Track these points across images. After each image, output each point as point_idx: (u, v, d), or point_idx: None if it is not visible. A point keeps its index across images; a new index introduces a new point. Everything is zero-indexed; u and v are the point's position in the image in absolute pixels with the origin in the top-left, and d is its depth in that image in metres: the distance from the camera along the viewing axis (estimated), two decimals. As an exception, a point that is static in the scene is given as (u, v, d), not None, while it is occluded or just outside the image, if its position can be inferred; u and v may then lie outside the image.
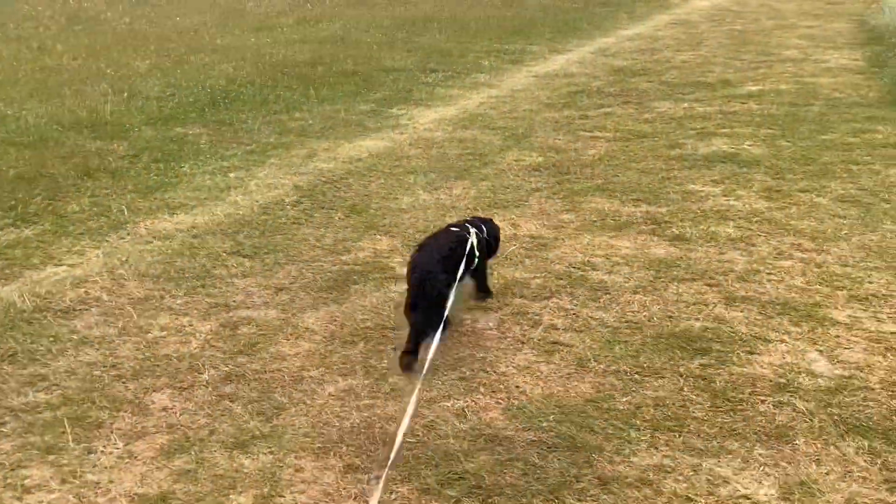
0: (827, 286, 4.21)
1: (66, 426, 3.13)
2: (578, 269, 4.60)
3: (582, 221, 5.41)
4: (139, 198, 6.02)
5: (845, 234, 4.96)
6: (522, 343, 3.71)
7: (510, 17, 15.18)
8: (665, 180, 6.22)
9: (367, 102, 9.22)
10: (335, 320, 4.00)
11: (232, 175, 6.61)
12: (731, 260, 4.61)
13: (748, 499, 2.68)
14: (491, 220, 4.24)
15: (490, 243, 4.00)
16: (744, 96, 9.12)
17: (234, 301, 4.26)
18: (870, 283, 4.24)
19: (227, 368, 3.55)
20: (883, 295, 4.08)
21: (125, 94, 8.81)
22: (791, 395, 3.17)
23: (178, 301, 4.27)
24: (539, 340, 3.72)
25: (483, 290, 4.14)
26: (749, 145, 7.11)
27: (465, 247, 3.66)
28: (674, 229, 5.15)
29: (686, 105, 8.84)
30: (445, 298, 3.40)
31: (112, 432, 3.11)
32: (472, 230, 3.83)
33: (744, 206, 5.53)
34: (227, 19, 14.31)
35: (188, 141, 7.54)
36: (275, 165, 6.90)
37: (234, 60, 10.81)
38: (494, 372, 3.45)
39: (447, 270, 3.50)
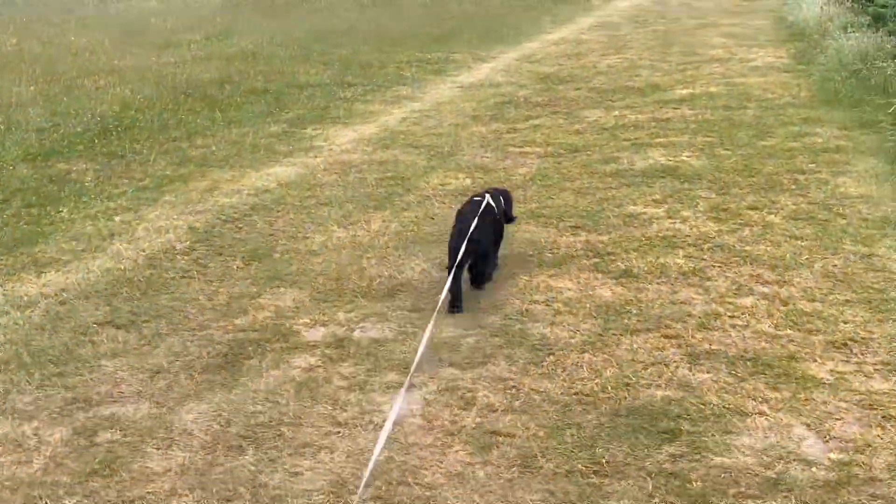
0: (798, 330, 3.61)
1: None
2: (516, 320, 3.89)
3: (516, 257, 4.71)
4: (2, 254, 5.05)
5: (806, 259, 4.39)
6: (453, 435, 2.96)
7: (432, 25, 14.46)
8: (603, 202, 5.58)
9: (278, 123, 8.35)
10: (220, 415, 3.18)
11: (118, 219, 5.68)
12: (688, 300, 3.97)
13: None
14: (506, 189, 4.92)
15: (506, 211, 4.58)
16: (675, 101, 8.61)
17: (97, 393, 3.39)
18: (844, 322, 3.66)
19: (72, 502, 2.71)
20: (862, 338, 3.49)
21: (1, 127, 7.72)
22: (785, 497, 2.52)
23: (26, 399, 3.37)
24: (473, 429, 2.99)
25: (494, 255, 4.45)
26: (688, 156, 6.55)
27: (492, 209, 4.31)
28: (619, 263, 4.49)
29: (617, 113, 8.27)
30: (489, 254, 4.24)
31: None
32: (488, 196, 4.40)
33: (692, 230, 4.92)
34: (129, 37, 13.15)
35: (70, 179, 6.55)
36: (169, 204, 5.99)
37: (132, 83, 9.77)
38: (418, 484, 2.70)
39: (484, 231, 4.13)
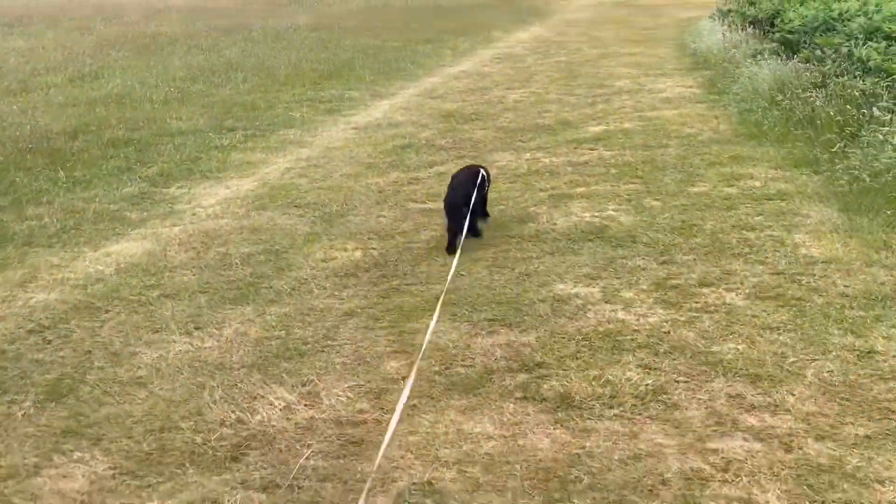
0: None
1: None
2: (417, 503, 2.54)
3: (417, 375, 3.37)
4: None
5: (793, 364, 3.23)
6: None
7: (325, 60, 13.05)
8: (524, 278, 4.32)
9: (136, 182, 6.75)
10: None
11: None
12: (655, 450, 2.72)
13: None
14: (483, 167, 5.33)
15: (487, 179, 5.18)
16: (590, 140, 7.52)
17: None
18: (879, 482, 2.48)
19: None
20: (917, 516, 2.33)
21: None
22: None
23: None
24: None
25: (484, 214, 5.18)
26: (615, 210, 5.40)
27: (479, 178, 4.99)
28: (553, 381, 3.21)
29: (529, 156, 7.10)
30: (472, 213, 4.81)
31: None
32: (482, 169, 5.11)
33: (639, 322, 3.70)
34: (-23, 81, 11.22)
35: None
36: (-40, 307, 4.36)
37: (-38, 137, 7.96)
38: None
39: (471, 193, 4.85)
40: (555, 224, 5.20)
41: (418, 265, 4.65)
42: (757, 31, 11.40)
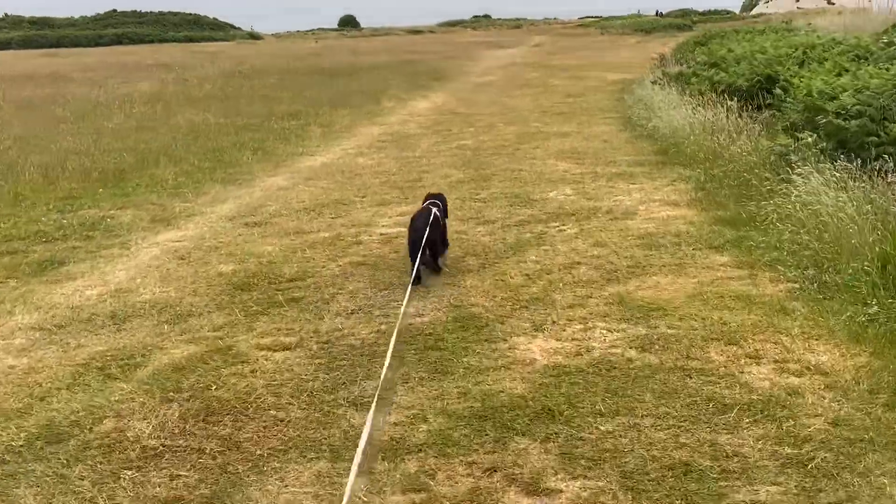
0: None
1: None
2: None
3: None
4: None
5: None
6: None
7: (119, 151, 7.86)
8: None
9: None
10: None
11: None
12: None
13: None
14: (441, 194, 4.61)
15: (444, 211, 4.48)
16: (527, 419, 2.65)
17: None
18: None
19: None
20: None
21: None
22: None
23: None
24: None
25: (444, 245, 4.38)
26: None
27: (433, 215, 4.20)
28: None
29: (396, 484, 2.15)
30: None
31: None
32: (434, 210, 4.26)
33: None
34: None
35: None
36: None
37: None
38: None
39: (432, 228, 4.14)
40: None
41: None
42: (744, 105, 6.96)
